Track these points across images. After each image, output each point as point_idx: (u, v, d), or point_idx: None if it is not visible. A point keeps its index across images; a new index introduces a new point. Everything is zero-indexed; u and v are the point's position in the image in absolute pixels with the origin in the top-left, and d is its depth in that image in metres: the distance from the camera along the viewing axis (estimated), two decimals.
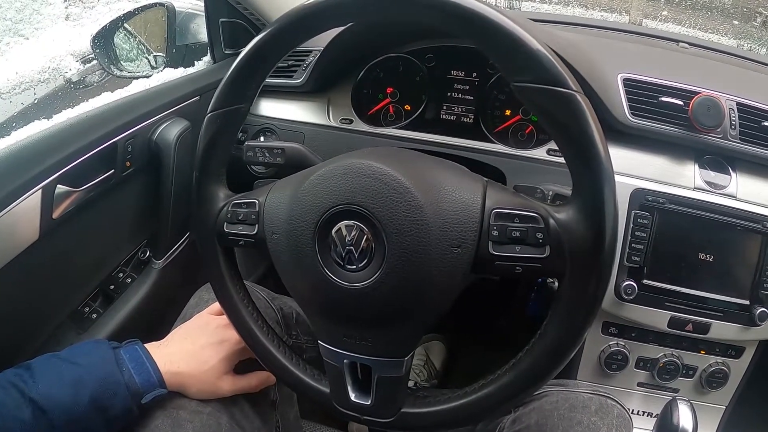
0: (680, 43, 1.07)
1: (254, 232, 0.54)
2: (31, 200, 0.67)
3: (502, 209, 0.45)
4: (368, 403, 0.52)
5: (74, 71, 1.39)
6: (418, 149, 0.82)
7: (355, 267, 0.46)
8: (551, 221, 0.43)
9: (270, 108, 0.96)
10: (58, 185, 0.70)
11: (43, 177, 0.68)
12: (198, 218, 0.59)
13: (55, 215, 0.71)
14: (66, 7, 1.38)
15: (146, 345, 0.63)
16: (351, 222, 0.45)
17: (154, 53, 1.31)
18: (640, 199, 0.75)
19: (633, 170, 0.78)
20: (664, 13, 1.53)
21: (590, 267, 0.42)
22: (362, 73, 0.91)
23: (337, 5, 0.48)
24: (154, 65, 1.29)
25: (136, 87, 0.92)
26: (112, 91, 0.91)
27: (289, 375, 0.57)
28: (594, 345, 0.82)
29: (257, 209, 0.54)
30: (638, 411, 0.87)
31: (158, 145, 0.83)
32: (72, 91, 1.33)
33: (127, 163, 0.81)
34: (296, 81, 0.92)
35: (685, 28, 1.42)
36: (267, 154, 0.68)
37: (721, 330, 0.78)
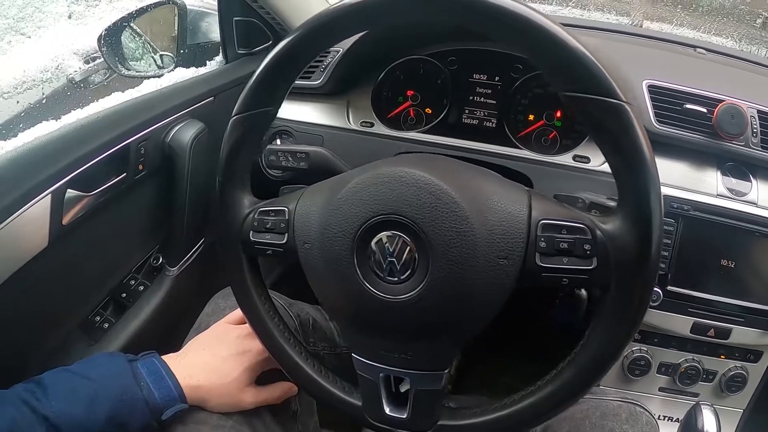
0: (697, 49, 1.03)
1: (284, 242, 0.50)
2: (40, 206, 0.61)
3: (550, 220, 0.43)
4: (404, 417, 0.49)
5: (77, 70, 1.34)
6: (442, 154, 0.79)
7: (396, 279, 0.43)
8: (598, 232, 0.42)
9: (286, 109, 0.91)
10: (69, 190, 0.65)
11: (52, 181, 0.62)
12: (221, 225, 0.55)
13: (64, 221, 0.65)
14: (69, 5, 1.32)
15: (164, 357, 0.58)
16: (393, 232, 0.43)
17: (161, 52, 1.26)
18: (666, 206, 0.72)
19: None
20: (664, 14, 1.51)
21: (636, 278, 0.41)
22: (382, 75, 0.86)
23: (378, 5, 0.44)
24: (161, 64, 1.23)
25: (148, 87, 0.86)
26: (123, 91, 0.85)
27: (318, 388, 0.54)
28: None
29: (287, 217, 0.51)
30: (660, 416, 0.86)
31: (172, 148, 0.77)
32: (77, 90, 1.26)
33: (140, 166, 0.74)
34: (315, 82, 0.86)
35: (685, 29, 1.40)
36: (290, 159, 0.64)
37: (742, 335, 0.77)
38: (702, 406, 0.63)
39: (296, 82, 0.87)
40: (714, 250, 0.74)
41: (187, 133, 0.77)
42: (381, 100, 0.87)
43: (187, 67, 0.92)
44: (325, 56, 0.88)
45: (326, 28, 0.47)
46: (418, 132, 0.85)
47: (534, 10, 0.40)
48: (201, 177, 0.79)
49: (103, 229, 0.72)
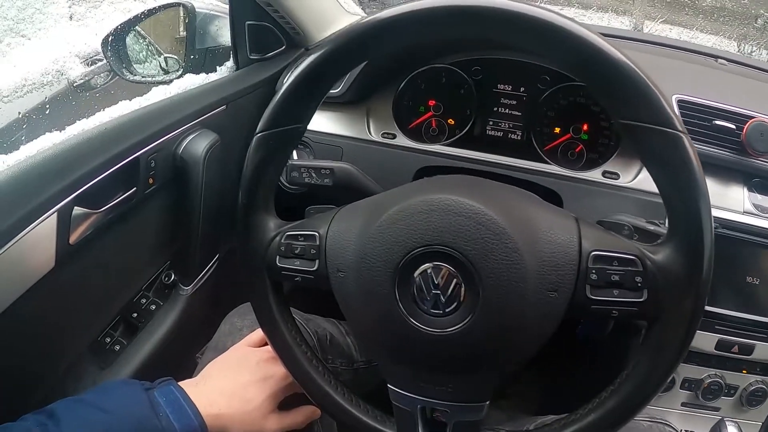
0: (718, 60, 1.00)
1: (314, 268, 0.48)
2: (46, 225, 0.57)
3: (601, 252, 0.42)
4: None
5: (78, 73, 1.29)
6: (469, 168, 0.76)
7: (441, 312, 0.42)
8: (648, 263, 0.41)
9: None
10: (75, 207, 0.60)
11: (58, 198, 0.58)
12: (245, 250, 0.51)
13: (72, 240, 0.60)
14: (69, 6, 1.27)
15: (181, 384, 0.55)
16: (439, 264, 0.41)
17: (165, 55, 1.21)
18: None
19: None
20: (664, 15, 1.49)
21: (687, 311, 0.40)
22: (404, 83, 0.82)
23: (428, 16, 0.41)
24: (166, 68, 1.19)
25: (156, 95, 0.81)
26: (131, 99, 0.80)
27: (349, 417, 0.52)
28: None
29: (318, 243, 0.48)
30: (682, 430, 0.85)
31: (184, 160, 0.72)
32: (79, 94, 1.21)
33: (150, 180, 0.70)
34: (334, 90, 0.82)
35: (685, 30, 1.38)
36: (314, 175, 0.60)
37: (764, 350, 0.76)
38: (727, 422, 0.65)
39: None
40: (740, 267, 0.73)
41: (200, 144, 0.72)
42: (401, 109, 0.84)
43: (197, 73, 0.87)
44: None
45: (364, 40, 0.44)
46: (442, 145, 0.81)
47: (595, 33, 0.39)
48: (215, 190, 0.74)
49: (112, 247, 0.68)
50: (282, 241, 0.50)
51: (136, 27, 1.09)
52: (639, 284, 0.41)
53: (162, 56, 1.21)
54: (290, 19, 0.84)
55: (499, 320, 0.41)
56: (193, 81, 0.85)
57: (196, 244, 0.74)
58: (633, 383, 0.43)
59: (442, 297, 0.41)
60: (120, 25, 1.02)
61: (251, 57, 0.90)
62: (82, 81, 1.30)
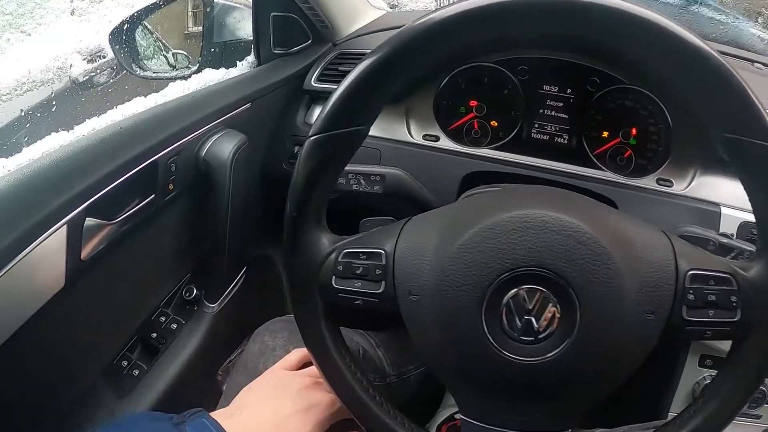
0: (755, 64, 0.94)
1: (379, 291, 0.42)
2: (55, 239, 0.49)
3: (699, 270, 0.40)
4: None
5: (81, 71, 1.21)
6: (519, 174, 0.70)
7: (532, 339, 0.38)
8: (741, 281, 0.39)
9: None
10: (87, 218, 0.52)
11: (68, 209, 0.50)
12: (294, 267, 0.45)
13: (83, 255, 0.52)
14: (71, 1, 1.19)
15: (214, 415, 0.47)
16: (533, 287, 0.38)
17: (174, 51, 1.13)
18: (746, 232, 0.67)
19: (739, 202, 0.69)
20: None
21: None
22: (444, 81, 0.74)
23: (551, 9, 0.37)
24: (174, 64, 1.10)
25: (174, 91, 0.72)
26: (146, 96, 0.71)
27: None
28: (689, 377, 0.76)
29: (383, 262, 0.42)
30: None
31: (208, 163, 0.63)
32: (83, 92, 1.13)
33: (170, 186, 0.61)
34: None
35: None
36: (362, 182, 0.54)
37: None
38: None
39: None
40: None
41: (225, 145, 0.64)
42: (441, 110, 0.76)
43: (217, 67, 0.79)
44: None
45: (459, 26, 0.38)
46: (491, 148, 0.74)
47: (706, 42, 0.36)
48: (242, 197, 0.66)
49: (127, 261, 0.59)
50: (339, 259, 0.43)
51: (144, 21, 1.00)
52: (734, 304, 0.39)
53: (170, 52, 1.13)
54: (320, 11, 0.76)
55: (595, 346, 0.39)
56: (212, 76, 0.76)
57: (221, 256, 0.66)
58: (718, 402, 0.41)
59: (534, 323, 0.38)
60: (129, 17, 0.93)
61: (275, 51, 0.81)
62: (84, 79, 1.23)
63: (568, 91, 0.73)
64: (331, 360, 0.46)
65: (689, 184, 0.69)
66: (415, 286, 0.41)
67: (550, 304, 0.37)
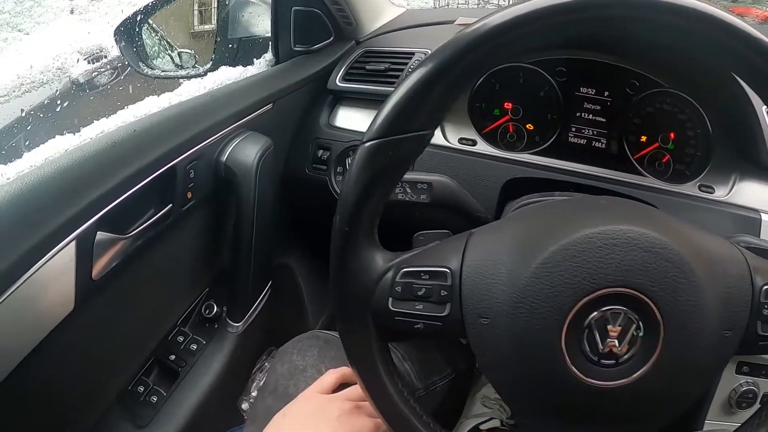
0: None
1: (444, 314, 0.39)
2: (63, 257, 0.42)
3: None
4: None
5: (81, 71, 1.15)
6: (561, 180, 0.66)
7: (614, 362, 0.36)
8: None
9: (363, 120, 0.72)
10: (99, 233, 0.45)
11: (77, 222, 0.43)
12: (343, 288, 0.40)
13: (94, 274, 0.46)
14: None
15: None
16: (618, 308, 0.35)
17: (179, 50, 1.06)
18: None
19: None
20: None
21: None
22: (479, 82, 0.69)
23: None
24: (180, 63, 1.04)
25: (188, 90, 0.66)
26: (159, 95, 0.65)
27: None
28: (726, 385, 0.73)
29: (449, 282, 0.38)
30: None
31: (230, 169, 0.57)
32: (88, 94, 1.06)
33: (189, 194, 0.55)
34: None
35: None
36: (408, 191, 0.51)
37: None
38: None
39: (375, 87, 0.71)
40: None
41: (249, 149, 0.57)
42: (474, 112, 0.71)
43: (234, 65, 0.72)
44: (409, 58, 0.70)
45: (536, 24, 0.34)
46: (531, 153, 0.69)
47: None
48: (268, 206, 0.59)
49: (142, 278, 0.53)
50: (397, 279, 0.39)
51: (149, 19, 0.94)
52: None
53: (176, 51, 1.07)
54: (346, 6, 0.70)
55: (677, 367, 0.37)
56: (229, 75, 0.70)
57: (245, 270, 0.59)
58: None
59: (618, 345, 0.36)
60: (134, 12, 0.87)
61: (295, 48, 0.75)
62: (85, 80, 1.16)
63: (606, 93, 0.69)
64: (380, 383, 0.42)
65: (730, 191, 0.66)
66: (487, 308, 0.37)
67: (634, 325, 0.35)
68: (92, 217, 0.44)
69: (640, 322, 0.35)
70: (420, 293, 0.38)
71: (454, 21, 0.83)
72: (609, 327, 0.35)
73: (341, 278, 0.39)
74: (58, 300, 0.43)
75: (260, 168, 0.56)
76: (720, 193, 0.66)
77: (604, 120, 0.69)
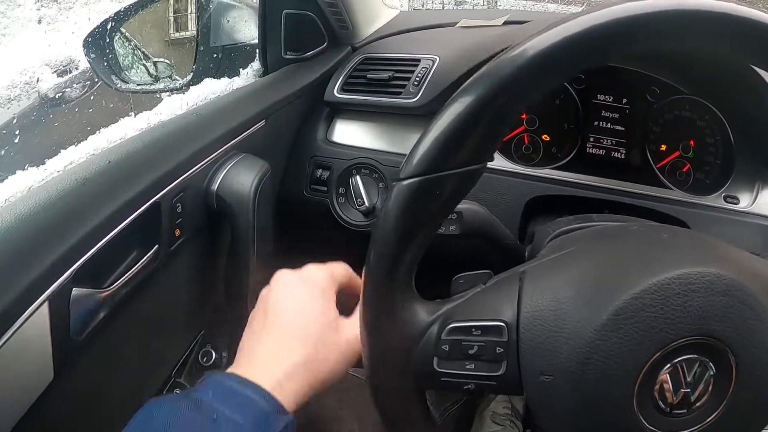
0: None
1: (499, 373, 0.34)
2: (35, 322, 0.35)
3: None
4: None
5: (50, 85, 1.06)
6: (586, 197, 0.62)
7: (685, 411, 0.33)
8: None
9: (366, 135, 0.65)
10: (74, 289, 0.38)
11: (47, 281, 0.36)
12: (380, 351, 0.35)
13: (73, 334, 0.39)
14: (38, 9, 1.03)
15: (230, 371, 0.36)
16: (693, 357, 0.32)
17: (154, 59, 0.98)
18: None
19: None
20: None
21: None
22: None
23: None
24: (155, 74, 0.95)
25: (169, 107, 0.58)
26: (135, 115, 0.56)
27: None
28: None
29: (505, 337, 0.34)
30: None
31: (224, 200, 0.49)
32: (55, 111, 0.97)
33: (176, 231, 0.47)
34: (408, 99, 0.61)
35: None
36: None
37: None
38: None
39: (379, 98, 0.64)
40: None
41: (243, 176, 0.50)
42: None
43: (218, 77, 0.64)
44: (415, 66, 0.64)
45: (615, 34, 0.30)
46: (552, 168, 0.64)
47: None
48: (267, 240, 0.52)
49: (129, 332, 0.45)
50: (444, 336, 0.34)
51: (122, 27, 0.85)
52: None
53: (151, 61, 0.98)
54: (342, 8, 0.62)
55: (745, 410, 0.35)
56: (214, 88, 0.62)
57: (246, 312, 0.51)
58: None
59: (691, 395, 0.33)
60: (105, 20, 0.78)
61: (286, 56, 0.67)
62: (55, 94, 1.07)
63: (624, 101, 0.65)
64: None
65: (754, 201, 0.63)
66: (549, 364, 0.33)
67: (708, 372, 0.33)
68: (64, 272, 0.36)
69: (715, 368, 0.33)
70: (471, 352, 0.33)
71: (456, 24, 0.76)
72: (683, 377, 0.32)
73: (376, 338, 0.34)
74: (35, 369, 0.36)
75: (258, 197, 0.49)
76: (744, 203, 0.63)
77: (622, 129, 0.65)
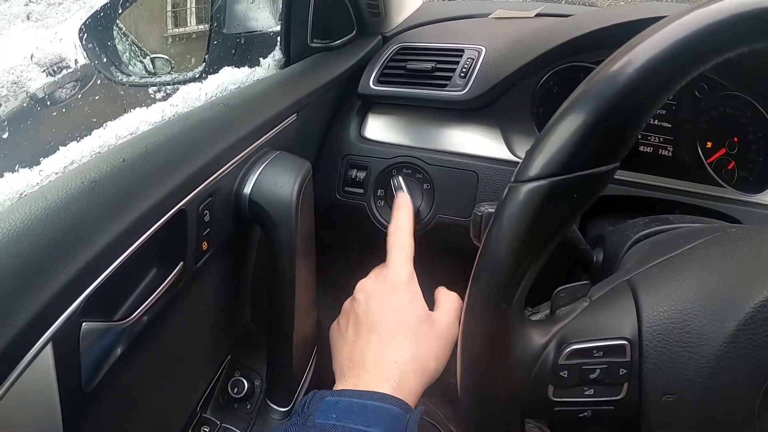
0: None
1: (620, 396, 0.30)
2: (36, 369, 0.26)
3: None
4: None
5: (40, 85, 0.95)
6: (639, 197, 0.58)
7: None
8: None
9: (405, 131, 0.56)
10: (84, 323, 0.28)
11: (51, 315, 0.26)
12: (490, 387, 0.29)
13: (84, 381, 0.29)
14: (26, 4, 0.92)
15: (340, 389, 0.36)
16: None
17: (151, 55, 0.88)
18: None
19: None
20: None
21: None
22: (539, 85, 0.57)
23: None
24: (152, 70, 0.86)
25: (185, 98, 0.48)
26: (148, 107, 0.46)
27: None
28: None
29: (628, 357, 0.29)
30: None
31: (259, 205, 0.40)
32: (49, 111, 0.86)
33: (204, 245, 0.37)
34: (456, 92, 0.53)
35: None
36: None
37: None
38: None
39: (423, 91, 0.55)
40: None
41: (282, 176, 0.40)
42: (536, 119, 0.59)
43: (238, 65, 0.55)
44: (459, 56, 0.56)
45: None
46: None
47: None
48: (309, 252, 0.42)
49: (149, 368, 0.36)
50: (561, 361, 0.29)
51: (118, 20, 0.76)
52: None
53: (147, 57, 0.88)
54: None
55: None
56: (234, 77, 0.52)
57: (288, 337, 0.41)
58: None
59: None
60: (103, 6, 0.68)
61: (312, 45, 0.58)
62: (45, 94, 0.96)
63: (671, 97, 0.59)
64: None
65: None
66: (675, 383, 0.29)
67: None
68: (72, 302, 0.27)
69: None
70: (593, 376, 0.29)
71: (489, 14, 0.68)
72: None
73: (481, 374, 0.29)
74: (39, 421, 0.27)
75: (301, 202, 0.39)
76: None
77: (669, 125, 0.61)
